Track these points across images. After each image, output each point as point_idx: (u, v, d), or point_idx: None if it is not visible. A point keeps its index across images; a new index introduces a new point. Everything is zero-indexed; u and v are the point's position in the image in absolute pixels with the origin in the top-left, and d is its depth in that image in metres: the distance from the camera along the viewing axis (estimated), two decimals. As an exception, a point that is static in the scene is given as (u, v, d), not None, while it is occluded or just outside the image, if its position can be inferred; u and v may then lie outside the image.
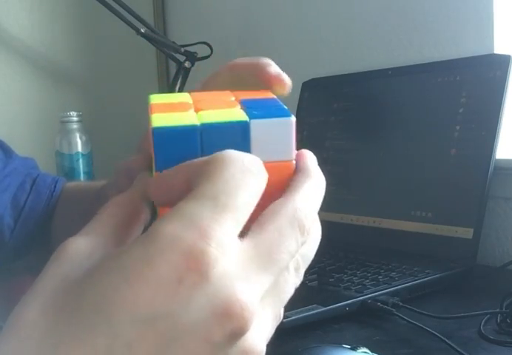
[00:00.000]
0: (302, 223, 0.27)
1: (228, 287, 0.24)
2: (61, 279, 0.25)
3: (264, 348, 0.26)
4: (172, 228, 0.24)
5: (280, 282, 0.28)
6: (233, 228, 0.25)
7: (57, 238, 0.60)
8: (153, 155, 0.28)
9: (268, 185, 0.28)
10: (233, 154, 0.27)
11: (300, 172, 0.30)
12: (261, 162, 0.28)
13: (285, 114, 0.30)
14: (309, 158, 0.31)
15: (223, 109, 0.30)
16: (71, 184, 0.64)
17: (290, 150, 0.30)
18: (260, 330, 0.26)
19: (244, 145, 0.29)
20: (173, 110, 0.30)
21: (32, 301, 0.25)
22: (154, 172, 0.29)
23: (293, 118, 0.29)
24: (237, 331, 0.24)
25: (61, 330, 0.24)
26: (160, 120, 0.29)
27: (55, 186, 0.62)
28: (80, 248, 0.27)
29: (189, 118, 0.29)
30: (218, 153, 0.27)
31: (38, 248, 0.62)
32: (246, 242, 0.26)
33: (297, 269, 0.29)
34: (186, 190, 0.26)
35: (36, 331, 0.24)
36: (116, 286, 0.24)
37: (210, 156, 0.27)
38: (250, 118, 0.29)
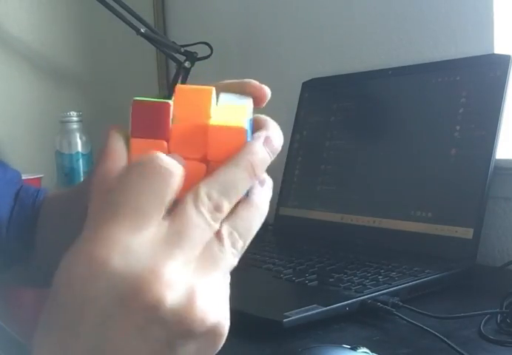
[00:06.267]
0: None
1: (147, 267, 0.29)
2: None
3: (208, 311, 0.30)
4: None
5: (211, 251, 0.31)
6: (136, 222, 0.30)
7: (42, 245, 0.59)
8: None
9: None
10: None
11: None
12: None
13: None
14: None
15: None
16: (52, 193, 0.64)
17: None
18: (186, 291, 0.29)
19: None
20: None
21: None
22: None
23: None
24: (154, 303, 0.28)
25: None
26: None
27: (36, 196, 0.61)
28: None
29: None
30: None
31: (24, 259, 0.61)
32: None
33: (233, 243, 0.32)
34: None
35: None
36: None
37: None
38: None
